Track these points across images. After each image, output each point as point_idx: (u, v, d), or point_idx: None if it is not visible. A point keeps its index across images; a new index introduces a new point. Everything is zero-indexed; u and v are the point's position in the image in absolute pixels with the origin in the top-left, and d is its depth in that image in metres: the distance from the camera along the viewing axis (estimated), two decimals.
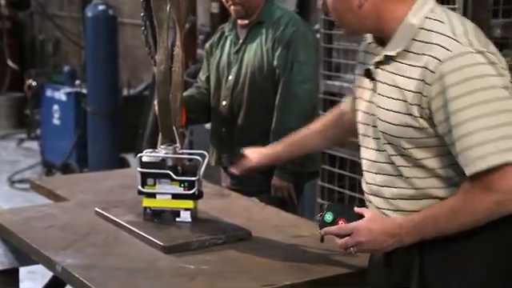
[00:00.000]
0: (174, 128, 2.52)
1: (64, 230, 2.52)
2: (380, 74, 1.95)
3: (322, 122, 2.46)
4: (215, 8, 5.55)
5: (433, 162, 1.89)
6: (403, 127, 1.88)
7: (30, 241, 2.42)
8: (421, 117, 1.86)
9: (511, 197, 1.79)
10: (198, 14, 6.08)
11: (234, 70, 3.33)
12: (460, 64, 1.79)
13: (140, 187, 2.52)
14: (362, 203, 2.10)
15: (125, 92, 7.50)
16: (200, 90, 3.46)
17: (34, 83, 7.36)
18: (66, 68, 7.45)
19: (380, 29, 1.96)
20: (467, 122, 1.78)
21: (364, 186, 2.06)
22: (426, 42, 1.85)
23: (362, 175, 2.08)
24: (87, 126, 6.55)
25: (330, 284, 2.18)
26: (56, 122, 7.09)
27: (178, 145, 2.52)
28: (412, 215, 1.90)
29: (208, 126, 3.68)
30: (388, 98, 1.91)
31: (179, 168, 2.50)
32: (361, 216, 1.97)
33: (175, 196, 2.50)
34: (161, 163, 2.50)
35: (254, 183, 3.25)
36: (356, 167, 3.08)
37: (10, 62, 9.35)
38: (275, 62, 3.24)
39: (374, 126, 1.98)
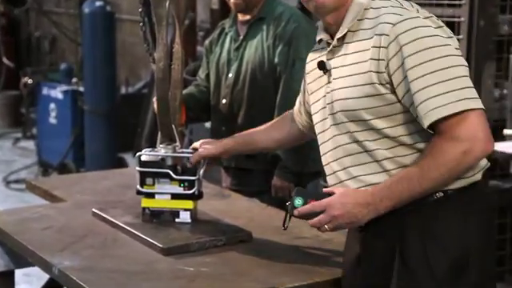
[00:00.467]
0: (173, 126, 2.50)
1: (61, 231, 2.51)
2: (333, 62, 2.05)
3: (271, 122, 2.58)
4: (215, 4, 5.52)
5: (396, 131, 1.94)
6: (362, 98, 1.95)
7: (25, 242, 2.41)
8: (380, 83, 1.92)
9: (476, 144, 1.85)
10: (197, 10, 6.05)
11: (234, 67, 3.30)
12: (411, 26, 1.90)
13: (139, 187, 2.51)
14: None
15: (123, 90, 7.49)
16: (200, 88, 3.43)
17: (29, 81, 7.33)
18: (63, 66, 7.42)
19: (341, 4, 2.03)
20: (425, 76, 1.86)
21: (331, 179, 2.08)
22: (376, 17, 1.96)
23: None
24: (84, 124, 6.53)
25: (332, 286, 2.16)
26: (52, 120, 7.06)
27: (177, 144, 2.51)
28: (384, 180, 1.94)
29: (208, 124, 3.66)
30: (343, 77, 2.00)
31: (179, 167, 2.49)
32: (331, 195, 1.98)
33: (174, 196, 2.49)
34: (160, 162, 2.49)
35: (255, 184, 3.23)
36: None
37: (5, 60, 9.31)
38: (276, 59, 3.21)
39: (332, 114, 2.03)
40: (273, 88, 3.24)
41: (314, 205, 1.98)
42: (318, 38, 2.15)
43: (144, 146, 4.29)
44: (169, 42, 2.49)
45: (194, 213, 2.52)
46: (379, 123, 1.94)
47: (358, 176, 1.99)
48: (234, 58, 3.31)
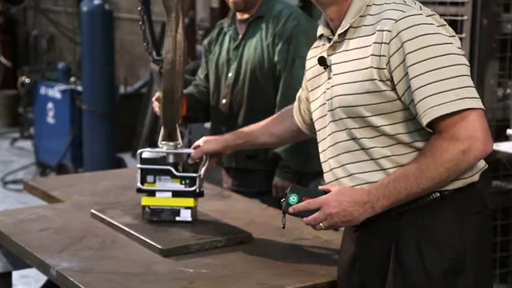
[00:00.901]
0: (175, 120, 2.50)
1: (59, 232, 2.51)
2: (333, 58, 2.03)
3: (271, 117, 2.57)
4: (215, 2, 5.51)
5: (394, 129, 1.92)
6: (361, 94, 1.93)
7: (23, 244, 2.41)
8: (380, 80, 1.91)
9: (475, 143, 1.83)
10: (197, 9, 6.03)
11: (234, 66, 3.27)
12: (413, 22, 1.89)
13: (139, 184, 2.50)
14: None
15: (121, 89, 7.47)
16: (199, 88, 3.41)
17: (27, 80, 7.30)
18: (61, 65, 7.39)
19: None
20: (426, 73, 1.84)
21: (328, 176, 2.06)
22: (379, 13, 1.95)
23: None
24: (82, 124, 6.52)
25: None
26: (50, 120, 7.04)
27: (179, 141, 2.51)
28: (381, 179, 1.92)
29: (208, 125, 3.63)
30: (343, 73, 1.98)
31: (180, 165, 2.49)
32: (326, 193, 1.96)
33: (175, 193, 2.49)
34: (161, 160, 2.49)
35: (256, 184, 3.22)
36: None
37: (2, 59, 9.31)
38: (276, 58, 3.19)
39: (331, 110, 2.02)
40: (272, 87, 3.22)
41: (309, 202, 1.96)
42: (318, 34, 2.14)
43: (143, 147, 4.28)
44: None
45: (194, 211, 2.51)
46: (378, 120, 1.92)
47: (354, 174, 1.98)
48: (233, 58, 3.29)
